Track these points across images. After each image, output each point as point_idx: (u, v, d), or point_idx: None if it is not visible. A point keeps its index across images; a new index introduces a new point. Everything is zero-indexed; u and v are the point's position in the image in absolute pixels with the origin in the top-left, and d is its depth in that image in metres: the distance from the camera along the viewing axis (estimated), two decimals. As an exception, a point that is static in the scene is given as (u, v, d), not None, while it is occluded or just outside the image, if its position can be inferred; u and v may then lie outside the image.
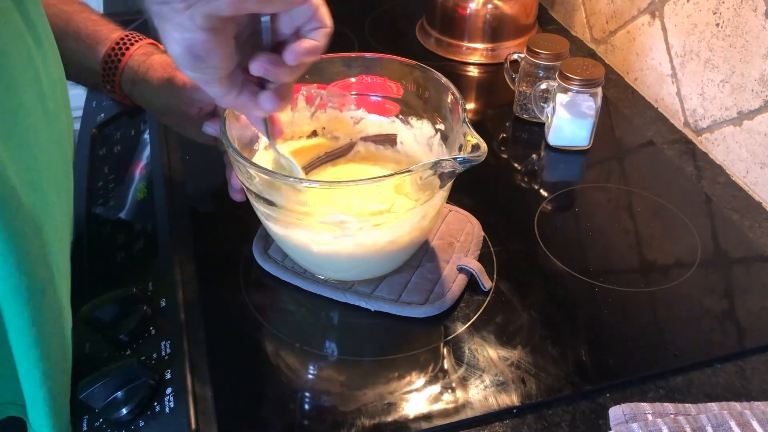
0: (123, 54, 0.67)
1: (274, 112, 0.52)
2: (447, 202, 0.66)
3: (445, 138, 0.63)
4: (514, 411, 0.53)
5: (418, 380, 0.56)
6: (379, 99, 0.67)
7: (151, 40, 0.70)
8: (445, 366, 0.57)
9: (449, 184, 0.57)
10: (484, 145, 0.52)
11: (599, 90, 0.77)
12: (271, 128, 0.57)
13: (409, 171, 0.52)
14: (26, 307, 0.42)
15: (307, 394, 0.55)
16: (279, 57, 0.48)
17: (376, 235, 0.56)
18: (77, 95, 0.69)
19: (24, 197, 0.42)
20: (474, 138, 0.53)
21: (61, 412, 0.48)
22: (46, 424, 0.47)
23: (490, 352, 0.58)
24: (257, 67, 0.48)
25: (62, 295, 0.48)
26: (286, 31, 0.48)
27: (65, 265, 0.50)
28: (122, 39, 0.67)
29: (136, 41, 0.68)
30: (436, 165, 0.52)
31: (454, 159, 0.52)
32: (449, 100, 0.60)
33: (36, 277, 0.43)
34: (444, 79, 0.61)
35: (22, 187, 0.42)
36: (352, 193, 0.57)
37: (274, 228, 0.59)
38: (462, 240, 0.66)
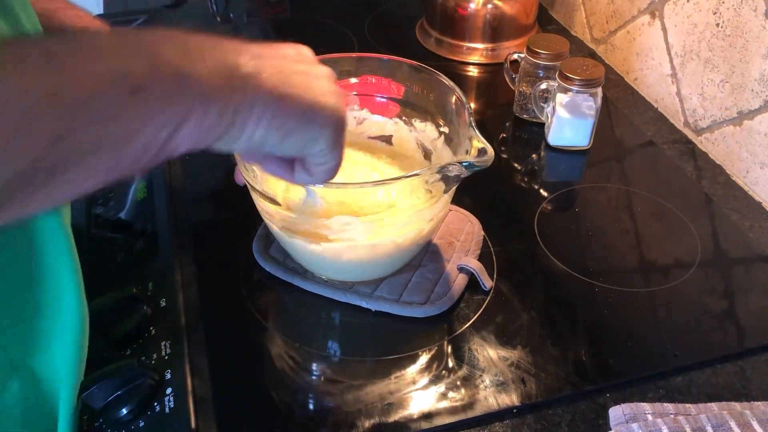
0: None
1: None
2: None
3: (449, 140, 0.63)
4: (514, 411, 0.54)
5: (419, 380, 0.56)
6: (384, 100, 0.67)
7: None
8: (446, 366, 0.57)
9: (454, 188, 0.57)
10: (491, 150, 0.52)
11: (599, 90, 0.77)
12: None
13: (415, 174, 0.52)
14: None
15: (308, 394, 0.55)
16: None
17: (379, 237, 0.56)
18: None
19: None
20: (481, 142, 0.52)
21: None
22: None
23: (490, 352, 0.58)
24: None
25: None
26: None
27: None
28: None
29: None
30: (442, 169, 0.52)
31: (460, 163, 0.51)
32: (453, 103, 0.60)
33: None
34: (448, 82, 0.61)
35: None
36: (356, 195, 0.57)
37: (277, 227, 0.59)
38: (462, 240, 0.66)
